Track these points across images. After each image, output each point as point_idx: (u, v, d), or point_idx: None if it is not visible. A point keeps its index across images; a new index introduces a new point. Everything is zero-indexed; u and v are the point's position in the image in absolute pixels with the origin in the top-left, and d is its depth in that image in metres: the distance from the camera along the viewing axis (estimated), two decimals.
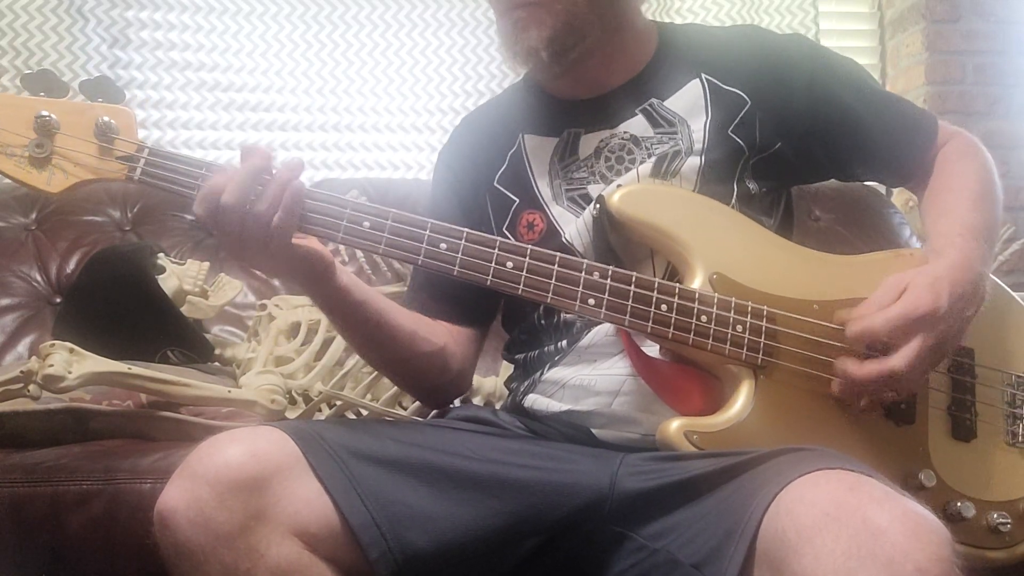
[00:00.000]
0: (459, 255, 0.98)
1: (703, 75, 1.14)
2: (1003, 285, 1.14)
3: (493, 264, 0.98)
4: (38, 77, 0.96)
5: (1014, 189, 2.39)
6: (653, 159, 1.11)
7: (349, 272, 1.07)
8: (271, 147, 0.98)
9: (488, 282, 0.98)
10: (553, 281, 0.98)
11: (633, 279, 1.00)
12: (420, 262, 0.98)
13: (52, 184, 0.95)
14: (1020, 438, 1.08)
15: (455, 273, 0.98)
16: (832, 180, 1.24)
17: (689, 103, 1.13)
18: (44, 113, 0.94)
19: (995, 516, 1.02)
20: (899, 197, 2.32)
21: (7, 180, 2.02)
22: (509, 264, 0.98)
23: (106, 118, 0.95)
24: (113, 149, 0.96)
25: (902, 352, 0.96)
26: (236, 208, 0.93)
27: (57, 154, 0.95)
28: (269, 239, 0.94)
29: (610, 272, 1.00)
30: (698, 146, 1.11)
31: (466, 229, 0.99)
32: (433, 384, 1.19)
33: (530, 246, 0.99)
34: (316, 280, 1.02)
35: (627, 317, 0.99)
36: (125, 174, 0.96)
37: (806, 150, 1.15)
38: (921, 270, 1.01)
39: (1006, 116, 2.46)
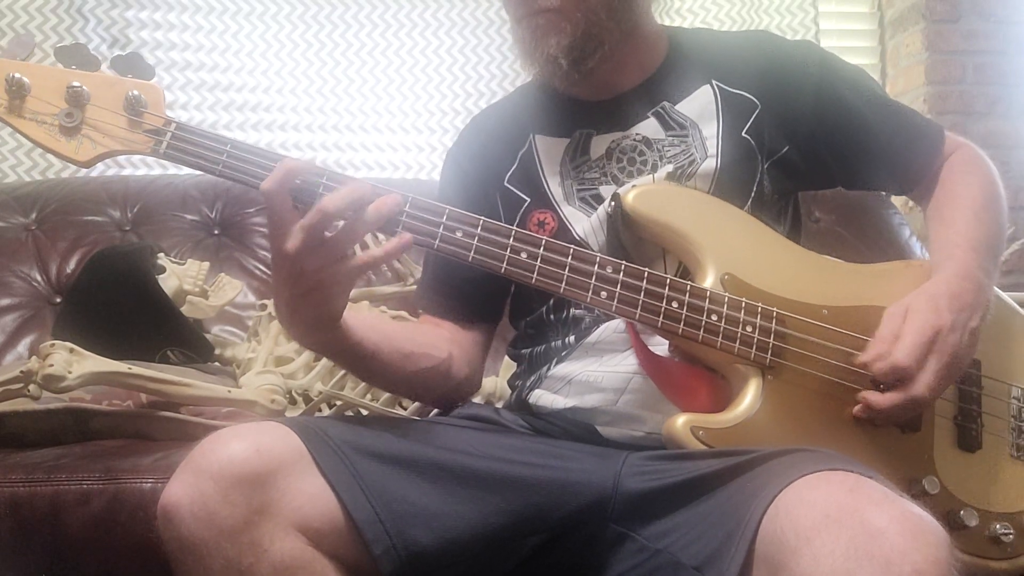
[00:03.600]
0: (474, 242, 0.98)
1: (713, 81, 1.15)
2: (1009, 299, 1.14)
3: (508, 253, 0.99)
4: (71, 50, 0.98)
5: (1014, 189, 2.39)
6: (669, 166, 1.11)
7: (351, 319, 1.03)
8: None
9: (502, 270, 0.98)
10: (566, 272, 0.99)
11: (645, 275, 1.00)
12: (436, 247, 0.98)
13: (80, 153, 0.96)
14: None
15: (470, 260, 0.98)
16: None
17: (700, 108, 1.13)
18: (76, 84, 0.95)
19: (998, 527, 1.02)
20: (899, 198, 2.32)
21: (11, 178, 2.02)
22: (523, 254, 0.99)
23: (136, 92, 0.96)
24: (141, 122, 0.97)
25: (921, 378, 0.97)
26: (326, 221, 0.89)
27: (87, 124, 0.96)
28: (334, 266, 0.92)
29: (623, 267, 1.00)
30: (712, 149, 1.11)
31: (482, 218, 0.99)
32: (440, 393, 1.18)
33: (545, 238, 1.00)
34: (316, 329, 0.99)
35: (638, 311, 0.99)
36: (151, 147, 0.97)
37: (814, 154, 1.15)
38: (918, 292, 1.02)
39: (1006, 116, 2.46)
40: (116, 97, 0.96)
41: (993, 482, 1.05)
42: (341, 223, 0.91)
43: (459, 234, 0.98)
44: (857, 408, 1.00)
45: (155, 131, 0.97)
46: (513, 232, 0.99)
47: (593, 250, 1.08)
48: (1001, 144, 2.40)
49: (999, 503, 1.04)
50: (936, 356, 0.97)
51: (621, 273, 1.00)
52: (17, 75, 0.94)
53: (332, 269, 0.91)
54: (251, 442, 0.88)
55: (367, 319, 1.09)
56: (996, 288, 1.10)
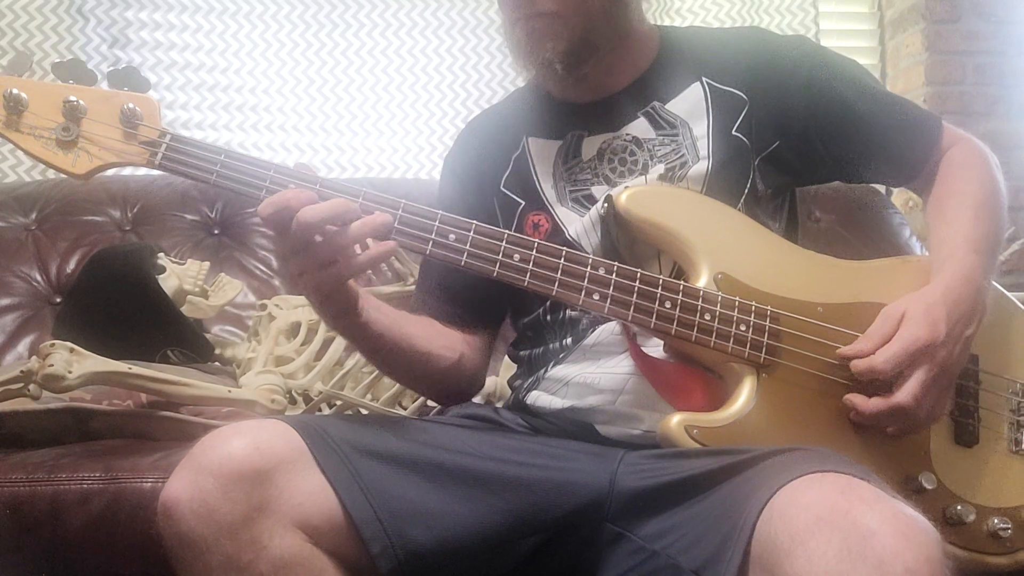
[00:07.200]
0: (467, 246, 0.99)
1: (703, 78, 1.15)
2: (1008, 294, 1.14)
3: (500, 256, 0.99)
4: (68, 66, 1.00)
5: (1014, 189, 2.36)
6: (661, 166, 1.11)
7: (373, 306, 1.06)
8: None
9: (495, 273, 0.99)
10: (559, 275, 0.99)
11: (638, 275, 1.00)
12: (428, 252, 0.99)
13: (77, 166, 0.98)
14: (1023, 445, 1.08)
15: (463, 263, 0.99)
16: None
17: (690, 106, 1.14)
18: (72, 98, 0.97)
19: (996, 521, 1.02)
20: (899, 198, 2.32)
21: (11, 178, 2.02)
22: (516, 256, 0.99)
23: (131, 105, 0.98)
24: (137, 135, 0.99)
25: (906, 387, 0.97)
26: (306, 232, 0.92)
27: (83, 138, 0.98)
28: (318, 272, 0.95)
29: (615, 268, 1.00)
30: (703, 150, 1.11)
31: (475, 222, 1.00)
32: (450, 390, 1.20)
33: (537, 240, 1.00)
34: (338, 315, 1.03)
35: (631, 312, 0.99)
36: (147, 159, 0.99)
37: (807, 150, 1.14)
38: (916, 297, 1.01)
39: (1006, 116, 2.46)
40: (112, 110, 0.98)
41: (990, 477, 1.05)
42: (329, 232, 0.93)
43: (452, 237, 0.99)
44: (851, 413, 1.00)
45: (150, 143, 0.98)
46: (506, 235, 1.00)
47: (587, 251, 1.09)
48: (1001, 144, 2.37)
49: (997, 498, 1.04)
50: (925, 367, 0.97)
51: (614, 274, 1.00)
52: (15, 91, 0.96)
53: (316, 274, 0.95)
54: (251, 439, 0.89)
55: (389, 316, 1.10)
56: (995, 283, 1.09)
